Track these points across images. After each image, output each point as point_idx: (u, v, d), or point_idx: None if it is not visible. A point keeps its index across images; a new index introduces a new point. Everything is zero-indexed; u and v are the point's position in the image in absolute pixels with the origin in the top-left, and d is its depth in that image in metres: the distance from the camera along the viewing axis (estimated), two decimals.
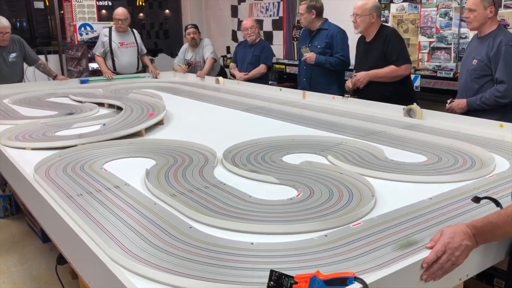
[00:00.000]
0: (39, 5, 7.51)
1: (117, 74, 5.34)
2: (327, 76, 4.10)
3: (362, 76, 3.54)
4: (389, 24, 4.81)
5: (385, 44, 3.46)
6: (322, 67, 4.05)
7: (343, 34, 4.07)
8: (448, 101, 3.18)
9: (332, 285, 1.04)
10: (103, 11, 7.64)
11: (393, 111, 3.14)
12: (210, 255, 1.29)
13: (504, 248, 1.41)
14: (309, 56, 4.06)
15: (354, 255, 1.28)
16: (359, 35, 3.72)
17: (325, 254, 1.29)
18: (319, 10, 4.12)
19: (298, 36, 6.35)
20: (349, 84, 3.64)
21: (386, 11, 4.98)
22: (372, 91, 3.51)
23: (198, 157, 2.25)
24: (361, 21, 3.50)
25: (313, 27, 4.16)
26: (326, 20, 4.18)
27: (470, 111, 3.02)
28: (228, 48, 7.62)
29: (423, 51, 4.76)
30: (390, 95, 3.41)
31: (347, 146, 2.41)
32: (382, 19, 4.02)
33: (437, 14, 4.60)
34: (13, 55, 4.76)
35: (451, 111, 3.07)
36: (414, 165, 2.09)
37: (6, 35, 4.62)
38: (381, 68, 3.48)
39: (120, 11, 5.28)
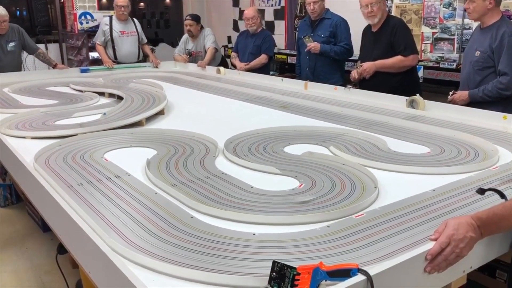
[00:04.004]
0: None
1: (118, 63, 5.31)
2: (331, 65, 4.13)
3: (368, 66, 3.51)
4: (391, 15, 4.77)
5: (392, 34, 3.43)
6: (327, 55, 4.06)
7: (346, 23, 4.09)
8: (450, 93, 3.15)
9: (335, 276, 1.03)
10: None
11: (395, 102, 3.12)
12: (211, 246, 1.28)
13: (508, 240, 1.40)
14: (314, 45, 4.05)
15: (357, 247, 1.27)
16: (362, 26, 3.69)
17: (327, 245, 1.28)
18: None
19: None
20: (354, 74, 3.60)
21: (389, 1, 4.93)
22: (378, 82, 3.49)
23: (199, 147, 2.23)
24: (378, 8, 3.44)
25: (319, 16, 4.15)
26: (328, 9, 4.19)
27: (472, 103, 2.99)
28: (229, 38, 7.56)
29: (426, 42, 4.72)
30: (395, 86, 3.39)
31: (349, 137, 2.40)
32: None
33: (440, 5, 4.55)
34: (11, 44, 4.74)
35: (453, 103, 3.04)
36: (417, 157, 2.08)
37: (4, 24, 4.60)
38: (388, 58, 3.45)
39: None
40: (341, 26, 4.06)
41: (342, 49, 4.04)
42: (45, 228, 3.24)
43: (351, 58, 4.33)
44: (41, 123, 2.71)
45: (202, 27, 5.49)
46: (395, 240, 1.30)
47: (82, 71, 5.02)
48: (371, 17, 3.48)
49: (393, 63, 3.45)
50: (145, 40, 5.56)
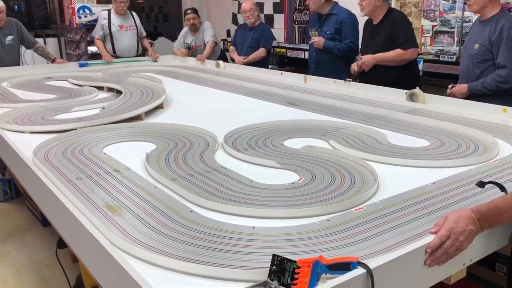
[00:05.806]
0: None
1: (117, 57, 5.30)
2: (335, 62, 3.98)
3: (368, 59, 3.50)
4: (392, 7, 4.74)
5: (392, 27, 3.41)
6: (330, 52, 3.96)
7: (353, 19, 3.96)
8: (449, 86, 3.14)
9: (335, 269, 1.03)
10: None
11: (395, 96, 3.11)
12: (211, 240, 1.28)
13: (508, 233, 1.40)
14: (317, 40, 3.97)
15: (356, 240, 1.27)
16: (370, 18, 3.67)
17: (327, 238, 1.28)
18: None
19: (299, 19, 6.29)
20: (354, 67, 3.59)
21: None
22: (377, 75, 3.47)
23: (198, 141, 2.23)
24: (366, 3, 3.44)
25: (323, 11, 4.04)
26: (336, 3, 4.05)
27: (471, 96, 2.98)
28: (228, 32, 7.54)
29: (426, 35, 4.71)
30: (395, 79, 3.38)
31: (349, 130, 2.39)
32: None
33: None
34: (10, 37, 4.72)
35: (452, 96, 3.03)
36: (417, 150, 2.07)
37: (1, 15, 4.58)
38: (387, 52, 3.44)
39: None
40: (346, 23, 3.91)
41: (346, 46, 3.91)
42: (44, 222, 3.25)
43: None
44: (40, 117, 2.70)
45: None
46: (395, 233, 1.30)
47: (81, 65, 5.01)
48: (360, 9, 3.53)
49: (392, 56, 3.43)
50: (144, 34, 5.54)
